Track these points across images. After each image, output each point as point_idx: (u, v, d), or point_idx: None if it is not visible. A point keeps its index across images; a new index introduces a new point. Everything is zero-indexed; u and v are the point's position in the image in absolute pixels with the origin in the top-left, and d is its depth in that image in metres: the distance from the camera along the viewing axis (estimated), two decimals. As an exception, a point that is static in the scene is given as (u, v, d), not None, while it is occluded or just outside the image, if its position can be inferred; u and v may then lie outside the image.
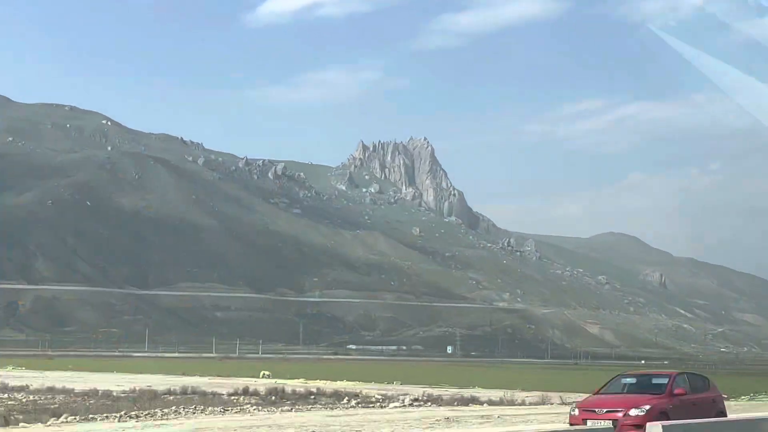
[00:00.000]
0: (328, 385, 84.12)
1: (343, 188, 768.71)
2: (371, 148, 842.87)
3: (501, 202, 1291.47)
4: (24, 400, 61.95)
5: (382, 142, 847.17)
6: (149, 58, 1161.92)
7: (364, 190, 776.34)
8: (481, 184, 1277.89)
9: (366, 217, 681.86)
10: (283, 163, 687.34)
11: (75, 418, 46.55)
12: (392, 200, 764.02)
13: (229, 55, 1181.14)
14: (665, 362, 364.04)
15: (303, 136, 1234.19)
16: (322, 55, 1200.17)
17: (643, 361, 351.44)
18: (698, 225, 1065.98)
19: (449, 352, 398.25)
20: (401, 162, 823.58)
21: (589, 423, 33.40)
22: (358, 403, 61.94)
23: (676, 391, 35.91)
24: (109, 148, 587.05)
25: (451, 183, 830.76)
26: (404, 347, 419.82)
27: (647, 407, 34.02)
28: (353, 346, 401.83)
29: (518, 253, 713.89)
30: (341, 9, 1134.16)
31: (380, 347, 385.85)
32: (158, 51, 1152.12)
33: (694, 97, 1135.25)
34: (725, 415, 37.49)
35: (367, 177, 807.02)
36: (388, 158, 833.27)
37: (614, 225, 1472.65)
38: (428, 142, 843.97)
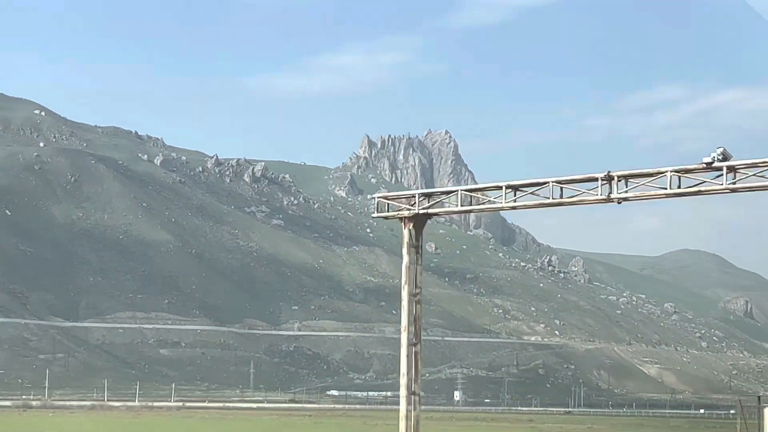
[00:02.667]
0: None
1: (342, 194, 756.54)
2: (379, 145, 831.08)
3: (548, 214, 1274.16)
4: None
5: (392, 137, 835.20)
6: (100, 33, 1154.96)
7: (368, 196, 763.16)
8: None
9: (368, 230, 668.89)
10: (262, 163, 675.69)
11: None
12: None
13: (218, 32, 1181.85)
14: (731, 412, 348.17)
15: (297, 132, 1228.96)
16: (337, 35, 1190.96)
17: (702, 411, 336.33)
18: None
19: (456, 399, 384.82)
20: (416, 161, 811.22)
21: None
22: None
23: None
24: (41, 144, 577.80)
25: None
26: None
27: None
28: (335, 392, 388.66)
29: (562, 275, 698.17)
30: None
31: (365, 393, 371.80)
32: (113, 25, 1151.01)
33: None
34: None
35: (373, 180, 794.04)
36: (400, 156, 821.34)
37: (690, 241, 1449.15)
38: (450, 137, 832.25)
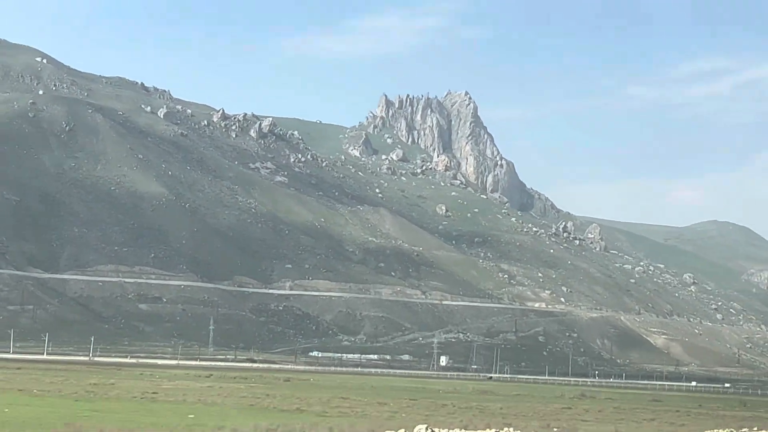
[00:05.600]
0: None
1: (356, 154, 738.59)
2: (397, 105, 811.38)
3: (582, 181, 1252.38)
4: None
5: (411, 96, 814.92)
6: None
7: (383, 156, 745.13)
8: (553, 158, 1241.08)
9: (377, 190, 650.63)
10: (270, 119, 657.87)
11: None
12: (418, 170, 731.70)
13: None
14: (726, 385, 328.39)
15: (318, 92, 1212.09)
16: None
17: (694, 383, 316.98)
18: None
19: (443, 364, 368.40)
20: (434, 122, 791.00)
21: None
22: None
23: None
24: (41, 92, 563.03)
25: (498, 150, 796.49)
26: (388, 357, 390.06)
27: None
28: (318, 353, 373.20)
29: (577, 242, 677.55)
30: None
31: (341, 356, 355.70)
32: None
33: None
34: None
35: (389, 140, 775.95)
36: (418, 117, 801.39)
37: (719, 213, 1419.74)
38: (470, 98, 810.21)
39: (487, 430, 56.39)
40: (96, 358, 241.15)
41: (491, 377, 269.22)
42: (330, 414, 76.99)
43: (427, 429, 51.91)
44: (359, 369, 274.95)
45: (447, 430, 54.21)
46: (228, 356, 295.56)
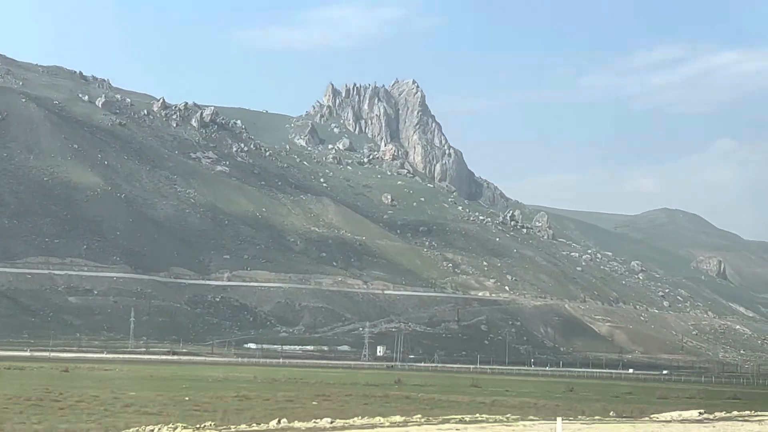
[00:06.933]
0: None
1: (302, 143, 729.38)
2: (344, 94, 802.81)
3: (536, 172, 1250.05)
4: None
5: (358, 85, 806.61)
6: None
7: (330, 146, 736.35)
8: (505, 148, 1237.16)
9: (322, 180, 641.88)
10: (212, 108, 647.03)
11: None
12: (365, 159, 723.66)
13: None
14: (665, 372, 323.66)
15: (266, 83, 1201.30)
16: None
17: (631, 370, 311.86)
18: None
19: (379, 354, 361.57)
20: (381, 111, 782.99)
21: None
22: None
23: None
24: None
25: (446, 139, 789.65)
26: (326, 348, 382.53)
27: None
28: (252, 345, 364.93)
29: (524, 231, 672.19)
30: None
31: (278, 347, 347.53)
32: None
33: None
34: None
35: (336, 130, 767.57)
36: (365, 106, 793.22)
37: (671, 201, 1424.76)
38: (418, 87, 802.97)
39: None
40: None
41: (392, 366, 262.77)
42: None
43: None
44: (281, 361, 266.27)
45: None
46: (150, 348, 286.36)
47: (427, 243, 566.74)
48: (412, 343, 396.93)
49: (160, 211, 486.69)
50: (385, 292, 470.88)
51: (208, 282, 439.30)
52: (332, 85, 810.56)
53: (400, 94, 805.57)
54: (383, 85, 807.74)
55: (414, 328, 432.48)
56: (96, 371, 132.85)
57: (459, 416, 61.79)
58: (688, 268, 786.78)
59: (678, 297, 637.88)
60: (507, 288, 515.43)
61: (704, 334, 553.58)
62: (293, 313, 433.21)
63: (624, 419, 66.51)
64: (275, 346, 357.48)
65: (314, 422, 54.26)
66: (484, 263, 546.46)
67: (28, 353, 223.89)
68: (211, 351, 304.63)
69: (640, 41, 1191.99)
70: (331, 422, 54.84)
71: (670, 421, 63.70)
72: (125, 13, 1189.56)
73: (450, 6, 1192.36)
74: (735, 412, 77.52)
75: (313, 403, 77.32)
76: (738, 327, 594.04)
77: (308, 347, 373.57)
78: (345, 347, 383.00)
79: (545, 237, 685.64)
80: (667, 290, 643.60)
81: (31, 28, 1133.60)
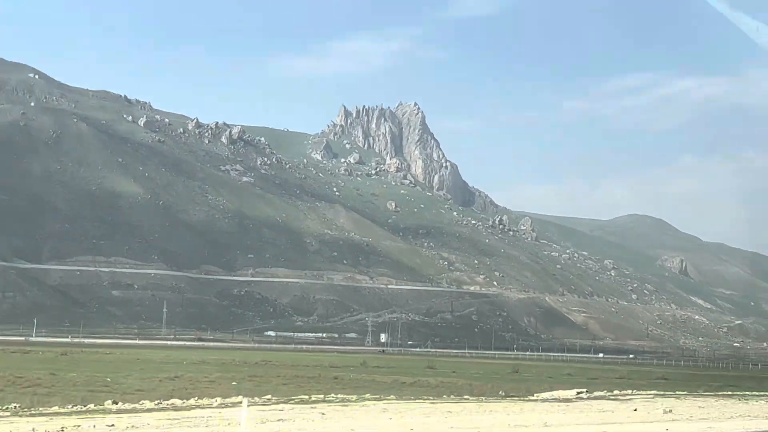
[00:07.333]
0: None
1: (318, 157, 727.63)
2: (354, 114, 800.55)
3: (522, 182, 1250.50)
4: None
5: (366, 107, 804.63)
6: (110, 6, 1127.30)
7: (342, 160, 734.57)
8: (496, 162, 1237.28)
9: (335, 189, 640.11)
10: (239, 126, 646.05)
11: None
12: (372, 171, 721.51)
13: (232, 13, 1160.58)
14: (631, 356, 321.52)
15: (287, 106, 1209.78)
16: (347, 23, 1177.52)
17: (601, 355, 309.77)
18: (756, 212, 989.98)
19: (382, 341, 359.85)
20: (387, 129, 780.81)
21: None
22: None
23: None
24: (32, 104, 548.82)
25: (443, 154, 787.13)
26: (336, 335, 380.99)
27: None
28: (272, 333, 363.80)
29: (511, 233, 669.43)
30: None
31: (292, 334, 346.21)
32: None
33: (750, 73, 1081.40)
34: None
35: (347, 146, 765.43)
36: (373, 125, 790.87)
37: (639, 207, 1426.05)
38: (419, 108, 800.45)
39: None
40: (34, 338, 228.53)
41: (384, 350, 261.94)
42: None
43: None
44: (293, 346, 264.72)
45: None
46: (178, 336, 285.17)
47: (425, 244, 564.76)
48: (412, 331, 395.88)
49: (193, 216, 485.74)
50: (389, 286, 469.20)
51: (234, 278, 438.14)
52: (344, 107, 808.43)
53: (403, 115, 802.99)
54: (389, 107, 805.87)
55: (413, 318, 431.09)
56: (95, 355, 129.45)
57: (342, 396, 59.45)
58: (653, 266, 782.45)
59: (645, 291, 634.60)
60: (495, 283, 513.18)
61: (667, 324, 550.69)
62: (308, 304, 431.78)
63: (506, 398, 65.23)
64: (291, 333, 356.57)
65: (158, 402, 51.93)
66: (476, 261, 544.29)
67: (68, 339, 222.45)
68: (232, 338, 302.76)
69: (614, 70, 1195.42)
70: (184, 402, 52.80)
71: (545, 401, 62.61)
72: (171, 48, 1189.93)
73: (449, 40, 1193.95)
74: (616, 392, 76.33)
75: (233, 383, 73.88)
76: (697, 317, 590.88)
77: (321, 334, 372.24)
78: (352, 334, 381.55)
79: (529, 239, 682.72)
80: (635, 285, 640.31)
81: (85, 57, 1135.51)
